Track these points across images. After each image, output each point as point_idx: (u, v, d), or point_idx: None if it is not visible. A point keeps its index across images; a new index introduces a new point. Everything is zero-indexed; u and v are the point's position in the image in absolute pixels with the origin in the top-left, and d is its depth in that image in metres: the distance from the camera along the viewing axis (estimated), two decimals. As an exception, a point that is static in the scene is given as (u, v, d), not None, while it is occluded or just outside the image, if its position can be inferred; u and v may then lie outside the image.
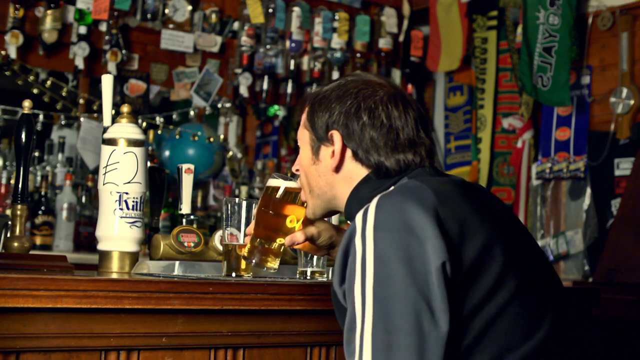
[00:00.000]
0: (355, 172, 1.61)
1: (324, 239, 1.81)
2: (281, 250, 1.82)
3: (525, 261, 1.49)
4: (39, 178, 3.92)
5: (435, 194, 1.44)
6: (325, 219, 1.84)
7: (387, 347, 1.31)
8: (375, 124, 1.57)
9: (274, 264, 1.82)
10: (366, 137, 1.58)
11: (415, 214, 1.39)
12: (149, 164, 2.14)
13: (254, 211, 1.85)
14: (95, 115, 4.08)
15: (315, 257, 2.01)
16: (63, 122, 4.18)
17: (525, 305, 1.44)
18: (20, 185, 1.94)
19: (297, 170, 1.75)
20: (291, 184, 1.80)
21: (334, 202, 1.69)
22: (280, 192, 1.79)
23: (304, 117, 1.70)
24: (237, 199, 1.99)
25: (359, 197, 1.60)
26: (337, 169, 1.62)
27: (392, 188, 1.54)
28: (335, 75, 4.60)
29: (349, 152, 1.61)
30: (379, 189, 1.54)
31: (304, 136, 1.69)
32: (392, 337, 1.31)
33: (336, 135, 1.60)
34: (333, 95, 1.62)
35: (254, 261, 1.80)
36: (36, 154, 4.09)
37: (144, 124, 4.20)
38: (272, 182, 1.82)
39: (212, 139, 4.39)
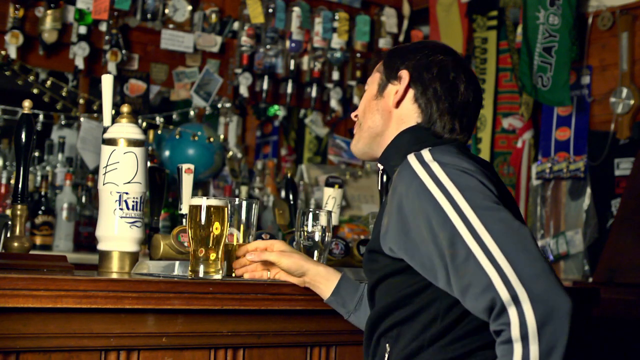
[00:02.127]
0: (409, 115, 1.72)
1: (289, 264, 1.84)
2: (217, 258, 1.84)
3: None
4: (39, 178, 3.92)
5: (472, 159, 1.59)
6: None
7: (508, 233, 1.42)
8: (443, 78, 1.70)
9: (216, 274, 1.83)
10: (431, 86, 1.70)
11: (466, 164, 1.54)
12: (149, 164, 2.14)
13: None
14: (95, 115, 4.08)
15: (315, 257, 2.01)
16: (63, 122, 4.18)
17: None
18: (20, 185, 1.94)
19: (355, 116, 1.84)
20: (211, 202, 1.84)
21: (378, 140, 1.77)
22: (202, 209, 1.83)
23: (379, 64, 1.80)
24: (237, 199, 2.00)
25: (398, 145, 1.70)
26: (397, 104, 1.73)
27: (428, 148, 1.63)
28: (336, 75, 4.60)
29: (411, 93, 1.72)
30: (418, 145, 1.66)
31: (373, 79, 1.80)
32: (505, 226, 1.43)
33: (405, 74, 1.72)
34: (412, 47, 1.78)
35: (200, 275, 1.82)
36: (36, 154, 4.08)
37: (144, 124, 4.20)
38: (194, 201, 1.85)
39: (212, 139, 4.39)
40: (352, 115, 1.86)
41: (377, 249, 1.63)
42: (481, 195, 1.47)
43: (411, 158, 1.57)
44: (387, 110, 1.74)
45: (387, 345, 1.61)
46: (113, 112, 2.09)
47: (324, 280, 1.85)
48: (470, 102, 1.72)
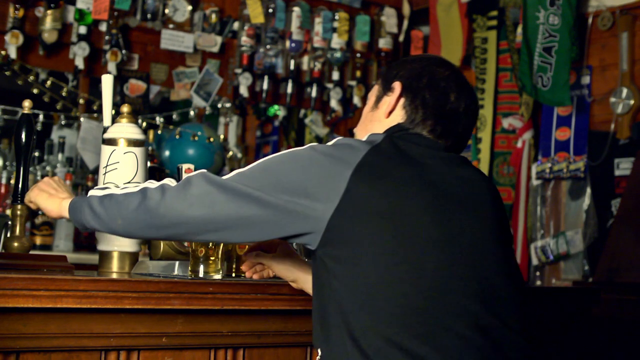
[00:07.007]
0: (395, 121, 1.74)
1: (279, 270, 1.84)
2: (217, 258, 1.85)
3: (453, 244, 1.57)
4: (39, 178, 3.92)
5: (375, 152, 1.59)
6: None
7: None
8: (433, 87, 1.72)
9: (216, 274, 1.84)
10: (420, 94, 1.72)
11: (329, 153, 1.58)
12: (149, 164, 2.14)
13: None
14: (95, 115, 4.08)
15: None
16: (63, 122, 4.18)
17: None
18: (20, 185, 1.94)
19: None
20: None
21: None
22: None
23: (380, 78, 1.85)
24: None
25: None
26: (389, 114, 1.75)
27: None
28: (336, 75, 4.61)
29: (401, 102, 1.74)
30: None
31: (372, 92, 1.84)
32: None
33: (397, 85, 1.75)
34: (408, 59, 1.83)
35: (200, 275, 1.82)
36: (36, 154, 4.09)
37: (144, 124, 4.20)
38: None
39: (212, 139, 4.39)
40: (354, 130, 1.89)
41: None
42: (258, 181, 1.56)
43: None
44: (381, 120, 1.77)
45: None
46: (113, 112, 2.09)
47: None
48: (460, 112, 1.71)
